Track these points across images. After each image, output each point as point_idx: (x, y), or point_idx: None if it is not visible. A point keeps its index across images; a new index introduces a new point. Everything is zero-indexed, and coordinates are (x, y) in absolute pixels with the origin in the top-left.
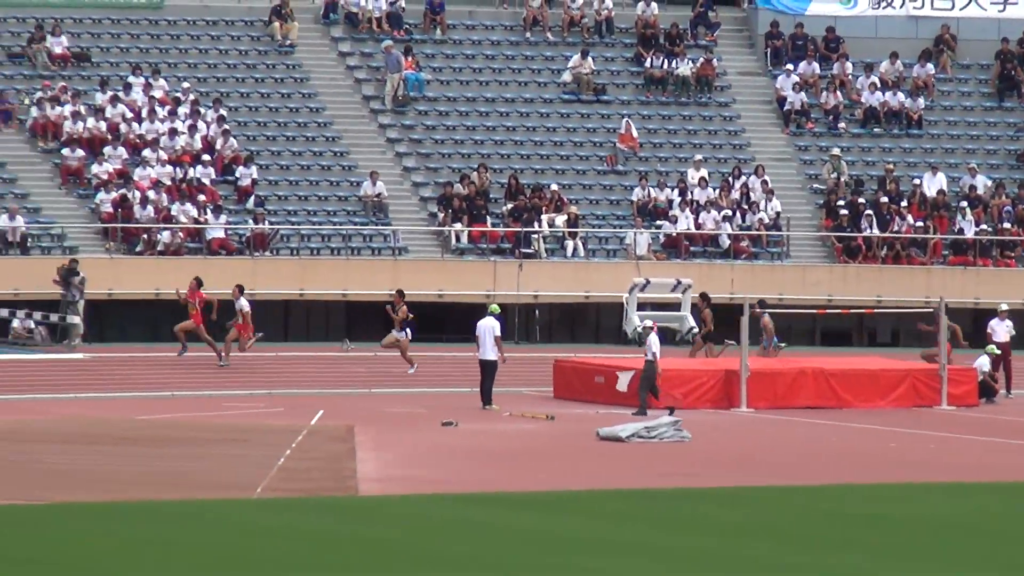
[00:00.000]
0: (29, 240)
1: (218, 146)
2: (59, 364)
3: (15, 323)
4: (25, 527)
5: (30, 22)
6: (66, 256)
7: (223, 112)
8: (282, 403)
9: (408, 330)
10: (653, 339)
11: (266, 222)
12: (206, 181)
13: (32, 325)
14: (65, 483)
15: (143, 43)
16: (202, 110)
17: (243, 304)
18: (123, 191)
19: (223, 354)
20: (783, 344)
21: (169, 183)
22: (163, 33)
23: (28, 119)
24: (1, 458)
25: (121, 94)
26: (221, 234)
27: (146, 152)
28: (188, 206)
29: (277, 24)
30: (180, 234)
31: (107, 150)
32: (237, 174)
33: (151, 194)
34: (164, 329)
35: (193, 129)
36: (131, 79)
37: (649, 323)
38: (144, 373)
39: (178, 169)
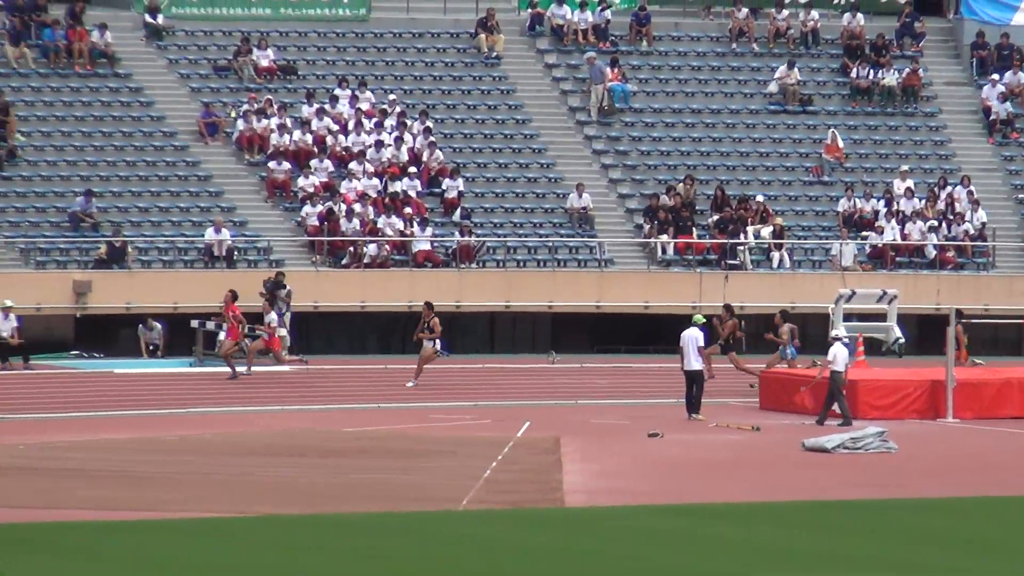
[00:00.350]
0: (235, 253)
1: (424, 158)
2: (265, 377)
3: (221, 336)
4: (236, 539)
5: (236, 35)
6: (272, 269)
7: (429, 124)
8: (488, 415)
9: (437, 342)
10: (836, 350)
11: (472, 234)
12: (412, 193)
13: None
14: (273, 495)
15: (349, 55)
16: (408, 122)
17: (272, 316)
18: (329, 204)
19: (247, 366)
20: (792, 354)
21: (375, 196)
22: (369, 46)
23: (234, 132)
24: (211, 471)
25: (327, 107)
26: (427, 246)
27: (352, 165)
28: (394, 219)
29: (483, 36)
30: (386, 247)
31: (313, 163)
32: (443, 186)
33: (357, 207)
34: (370, 341)
35: (399, 141)
36: (337, 91)
37: (835, 333)
38: (350, 385)
39: (384, 181)
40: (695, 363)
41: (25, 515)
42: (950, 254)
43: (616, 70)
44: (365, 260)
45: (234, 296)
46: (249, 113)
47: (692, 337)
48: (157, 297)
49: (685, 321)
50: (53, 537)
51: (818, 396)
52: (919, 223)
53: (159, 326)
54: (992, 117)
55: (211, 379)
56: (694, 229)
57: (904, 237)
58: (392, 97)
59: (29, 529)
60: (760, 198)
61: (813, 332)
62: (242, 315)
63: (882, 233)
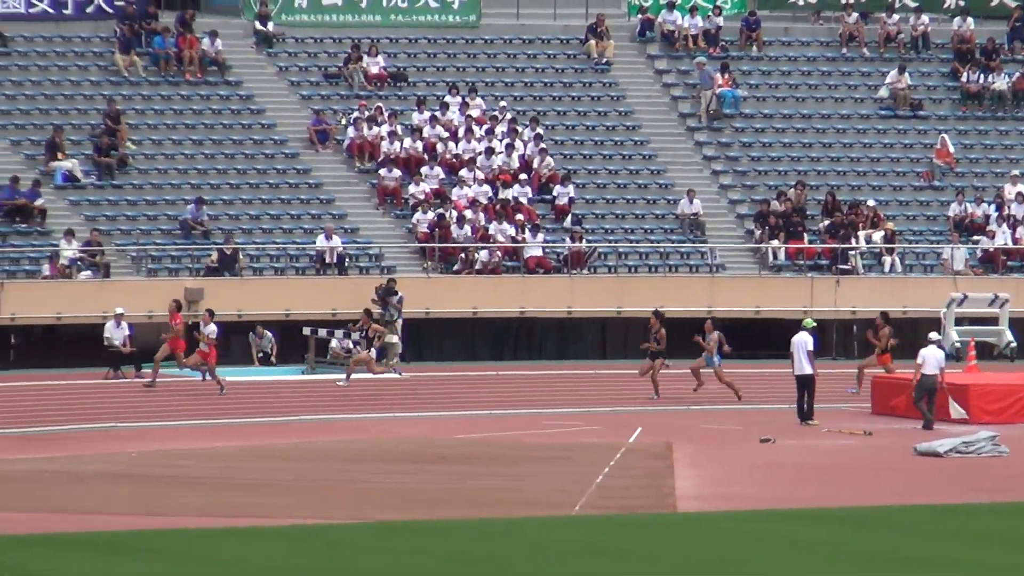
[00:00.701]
0: (347, 260)
1: (535, 165)
2: (378, 383)
3: (333, 343)
4: (346, 545)
5: (346, 42)
6: (384, 276)
7: (540, 131)
8: (600, 421)
9: (374, 350)
10: (926, 353)
11: (583, 240)
12: (523, 200)
13: (351, 345)
14: (384, 502)
15: (459, 62)
16: (519, 129)
17: (212, 329)
18: (440, 211)
19: (153, 378)
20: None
21: (486, 202)
22: (479, 52)
23: (345, 139)
24: (325, 478)
25: (438, 113)
26: (539, 252)
27: (463, 172)
28: (505, 225)
29: (593, 42)
30: (498, 253)
31: (424, 170)
32: (554, 192)
33: (468, 213)
34: (481, 348)
35: (510, 148)
36: (448, 98)
37: (935, 336)
38: (462, 391)
39: (495, 188)
40: (806, 368)
41: (137, 522)
42: None
43: (726, 76)
44: (476, 266)
45: (178, 306)
46: (360, 120)
47: (802, 342)
48: (268, 304)
49: (796, 326)
50: (165, 544)
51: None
52: None
53: (270, 334)
54: None
55: (323, 387)
56: (805, 234)
57: (1015, 241)
58: (502, 104)
59: (141, 536)
60: (871, 203)
61: (924, 337)
62: (184, 325)
63: (993, 237)
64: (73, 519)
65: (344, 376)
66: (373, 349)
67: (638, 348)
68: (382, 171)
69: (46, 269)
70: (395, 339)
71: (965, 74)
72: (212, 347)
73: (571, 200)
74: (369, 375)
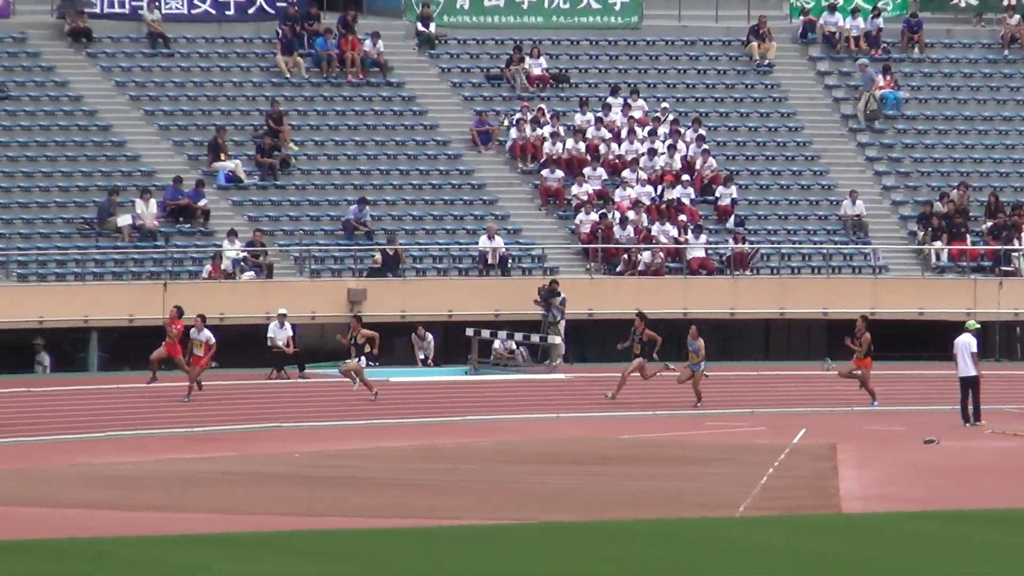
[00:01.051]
0: (509, 261)
1: (698, 166)
2: (541, 384)
3: (496, 344)
4: (511, 546)
5: (508, 44)
6: (546, 277)
7: (702, 132)
8: (764, 422)
9: (363, 357)
10: None
11: (746, 241)
12: (686, 201)
13: (513, 346)
14: (548, 503)
15: (621, 64)
16: (681, 130)
17: (206, 335)
18: (603, 212)
19: (194, 386)
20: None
21: (648, 203)
22: (641, 53)
23: (507, 140)
24: (490, 479)
25: (600, 114)
26: (701, 254)
27: (625, 173)
28: (668, 226)
29: (755, 44)
30: (660, 254)
31: (586, 171)
32: (717, 194)
33: (631, 214)
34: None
35: (672, 149)
36: (610, 100)
37: None
38: (626, 393)
39: (661, 190)
40: (971, 369)
41: (303, 523)
42: None
43: (888, 77)
44: (639, 268)
45: (180, 312)
46: (522, 122)
47: (966, 343)
48: (431, 305)
49: (958, 327)
50: (332, 546)
51: None
52: None
53: (430, 336)
54: None
55: (487, 387)
56: (968, 236)
57: None
58: (664, 105)
59: (306, 537)
60: None
61: None
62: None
63: None
64: (241, 520)
65: (372, 393)
66: (363, 358)
67: (801, 350)
68: (544, 172)
69: (207, 270)
70: (558, 340)
71: None
72: (206, 352)
73: (734, 201)
74: (513, 376)
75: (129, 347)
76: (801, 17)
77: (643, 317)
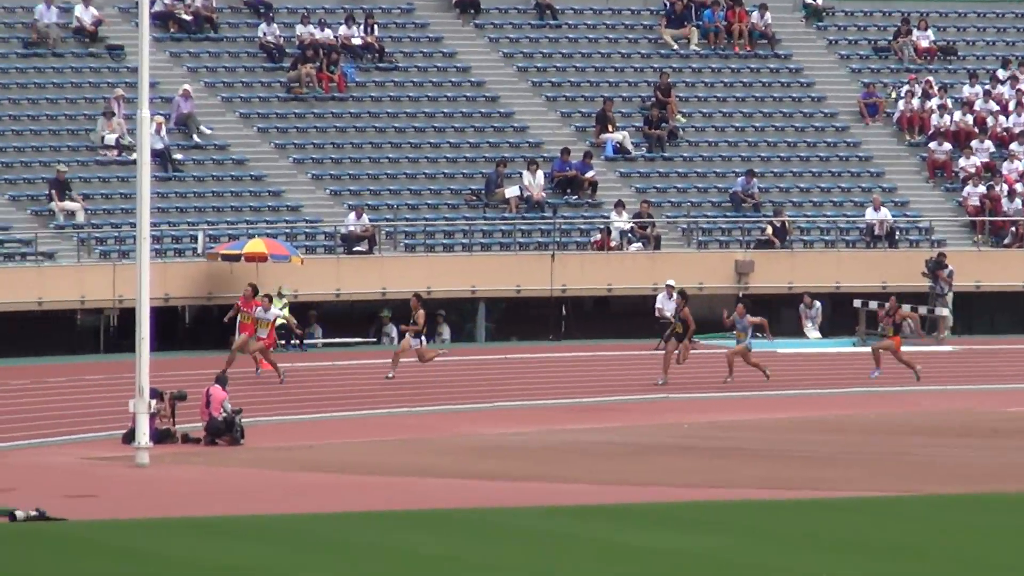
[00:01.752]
0: (897, 233)
1: None
2: (927, 356)
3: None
4: (898, 518)
5: (896, 16)
6: (934, 249)
7: None
8: None
9: (423, 338)
10: None
11: None
12: None
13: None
14: (934, 475)
15: (1010, 36)
16: None
17: (273, 313)
18: (990, 184)
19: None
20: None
21: None
22: None
23: (895, 113)
24: (873, 451)
25: (988, 87)
26: None
27: (1013, 145)
28: None
29: None
30: None
31: (974, 144)
32: None
33: (1019, 187)
34: None
35: None
36: (999, 72)
37: None
38: (1013, 365)
39: None
40: None
41: (696, 494)
42: None
43: None
44: None
45: (255, 291)
46: (909, 94)
47: None
48: (818, 277)
49: None
50: (725, 516)
51: None
52: None
53: (818, 303)
54: None
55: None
56: None
57: None
58: None
59: (699, 508)
60: None
61: None
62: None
63: None
64: (631, 491)
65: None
66: (423, 338)
67: None
68: (932, 144)
69: (593, 241)
70: (946, 312)
71: None
72: (271, 332)
73: None
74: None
75: (516, 318)
76: None
77: (683, 296)
